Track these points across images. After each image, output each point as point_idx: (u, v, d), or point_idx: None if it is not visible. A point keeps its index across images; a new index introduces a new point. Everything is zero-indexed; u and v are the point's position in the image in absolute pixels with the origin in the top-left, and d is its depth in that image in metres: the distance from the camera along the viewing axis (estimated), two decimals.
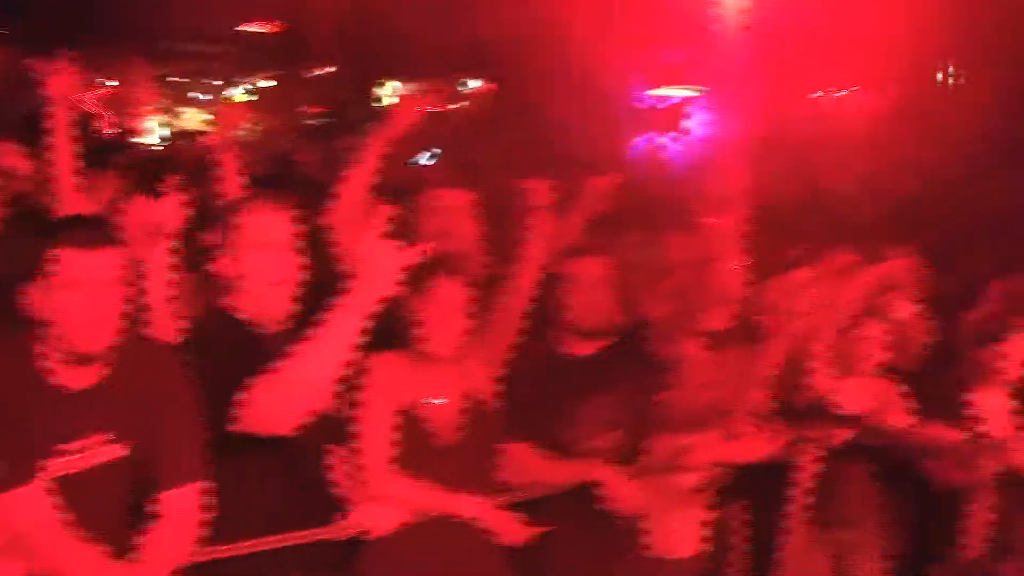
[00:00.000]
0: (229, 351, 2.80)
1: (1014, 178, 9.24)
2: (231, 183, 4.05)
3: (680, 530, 4.09)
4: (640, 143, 13.21)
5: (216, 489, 2.74)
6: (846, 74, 10.47)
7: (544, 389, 3.68)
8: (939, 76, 9.71)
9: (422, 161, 13.74)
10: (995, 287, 5.66)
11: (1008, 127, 9.24)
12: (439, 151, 13.92)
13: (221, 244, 2.98)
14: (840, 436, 4.56)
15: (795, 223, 7.82)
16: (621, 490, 3.61)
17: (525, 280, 3.72)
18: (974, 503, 3.96)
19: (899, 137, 9.82)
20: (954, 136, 9.40)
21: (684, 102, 11.67)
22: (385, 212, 2.62)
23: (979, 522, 3.93)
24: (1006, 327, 4.83)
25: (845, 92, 10.92)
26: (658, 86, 11.63)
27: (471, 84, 18.69)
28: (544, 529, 3.42)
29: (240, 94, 24.23)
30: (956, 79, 9.67)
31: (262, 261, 2.93)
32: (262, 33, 22.70)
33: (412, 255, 2.65)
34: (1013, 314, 5.05)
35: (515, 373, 3.66)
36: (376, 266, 2.58)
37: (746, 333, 4.41)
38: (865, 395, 4.78)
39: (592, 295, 3.74)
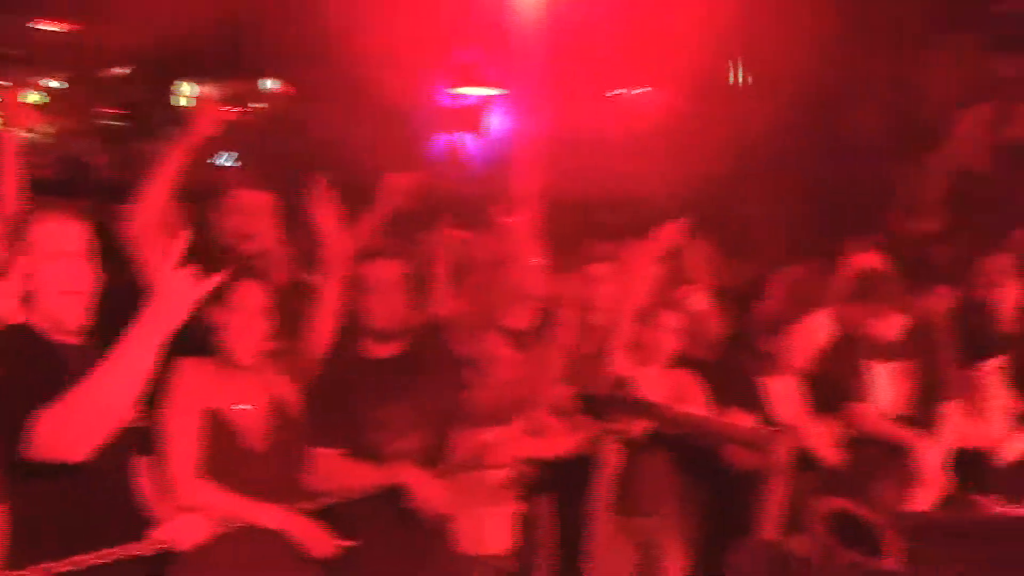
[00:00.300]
0: (25, 365, 2.70)
1: (797, 175, 9.68)
2: (8, 185, 3.85)
3: (489, 527, 4.14)
4: (439, 142, 13.25)
5: (15, 510, 2.66)
6: (641, 73, 10.72)
7: (346, 393, 3.64)
8: (731, 75, 10.05)
9: (220, 162, 13.46)
10: (779, 279, 5.89)
11: (795, 123, 9.63)
12: (237, 152, 13.66)
13: (8, 254, 2.85)
14: (640, 427, 4.65)
15: (592, 219, 8.00)
16: (428, 491, 3.60)
17: (330, 284, 3.67)
18: (769, 486, 4.07)
19: (690, 134, 10.13)
20: (743, 134, 9.76)
21: (483, 101, 11.73)
22: (184, 239, 2.57)
23: (774, 504, 4.04)
24: (791, 317, 5.01)
25: (640, 91, 11.17)
26: (457, 86, 11.65)
27: (269, 84, 18.43)
28: (352, 543, 3.40)
29: (30, 95, 23.25)
30: (746, 79, 10.03)
31: (53, 271, 2.82)
32: (54, 32, 21.80)
33: (209, 283, 2.60)
34: (796, 305, 5.26)
35: (319, 378, 3.61)
36: (172, 293, 2.54)
37: (547, 329, 4.47)
38: (663, 385, 4.91)
39: (388, 297, 3.72)
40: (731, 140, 9.78)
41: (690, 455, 4.84)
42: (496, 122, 12.08)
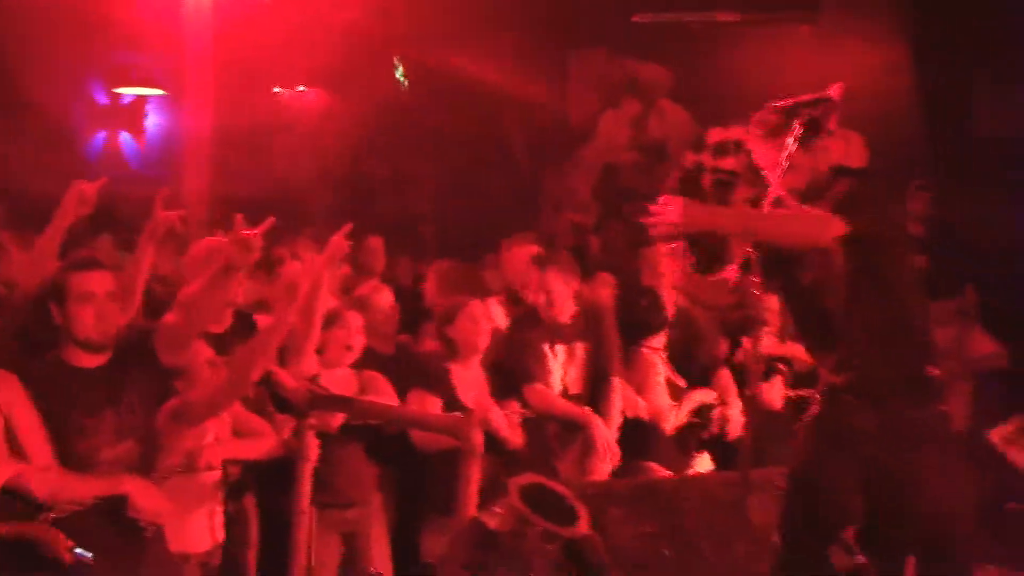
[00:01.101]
0: None
1: (460, 175, 10.05)
2: None
3: (199, 526, 4.21)
4: (97, 142, 12.77)
5: None
6: (306, 71, 10.74)
7: (56, 404, 3.58)
8: (397, 78, 10.24)
9: None
10: (432, 272, 6.21)
11: (454, 126, 9.97)
12: None
13: None
14: (335, 421, 4.80)
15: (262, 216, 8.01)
16: (148, 499, 3.60)
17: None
18: (463, 468, 4.30)
19: (355, 135, 10.29)
20: (408, 135, 10.05)
21: (143, 100, 11.36)
22: None
23: (468, 484, 4.27)
24: (451, 306, 5.24)
25: (303, 88, 11.18)
26: (118, 85, 11.25)
27: None
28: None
29: None
30: (409, 81, 10.25)
31: None
32: None
33: None
34: (451, 295, 5.55)
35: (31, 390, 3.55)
36: None
37: (245, 332, 4.53)
38: (352, 380, 5.07)
39: (99, 308, 3.67)
40: (397, 141, 10.05)
41: (384, 444, 5.03)
42: (157, 121, 11.77)
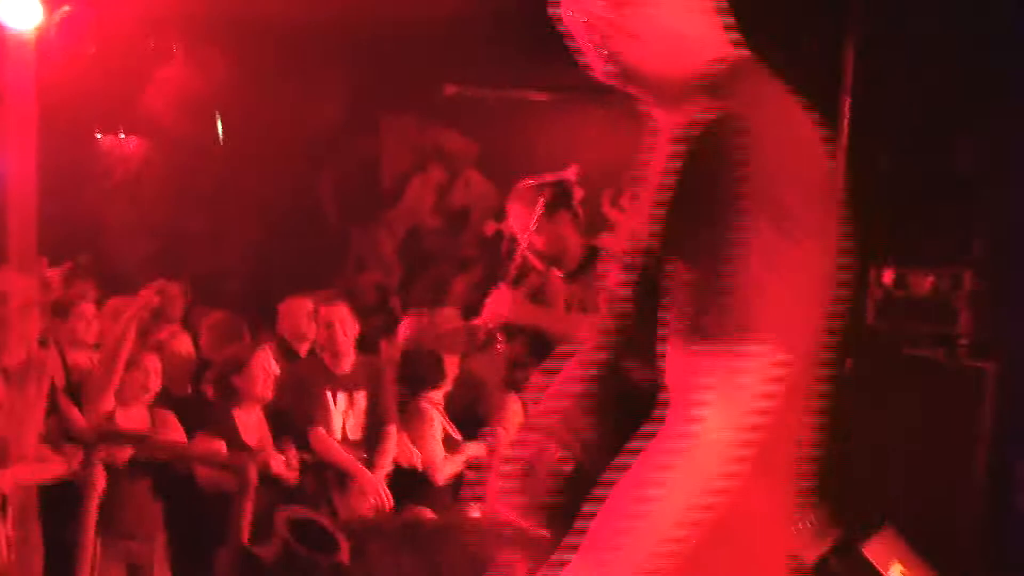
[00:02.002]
0: None
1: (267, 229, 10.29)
2: None
3: None
4: None
5: None
6: (127, 119, 10.88)
7: None
8: (219, 128, 10.46)
9: None
10: (205, 323, 6.59)
11: (266, 181, 10.26)
12: None
13: None
14: (124, 455, 5.16)
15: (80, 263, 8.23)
16: None
17: None
18: (239, 502, 4.71)
19: (172, 181, 10.51)
20: (220, 189, 10.31)
21: None
22: None
23: (243, 516, 4.67)
24: (245, 352, 5.63)
25: (123, 136, 11.35)
26: None
27: None
28: None
29: None
30: (226, 137, 10.47)
31: None
32: None
33: None
34: (220, 345, 5.94)
35: None
36: None
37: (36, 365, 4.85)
38: (144, 418, 5.42)
39: None
40: (213, 194, 10.32)
41: (169, 479, 5.39)
42: None
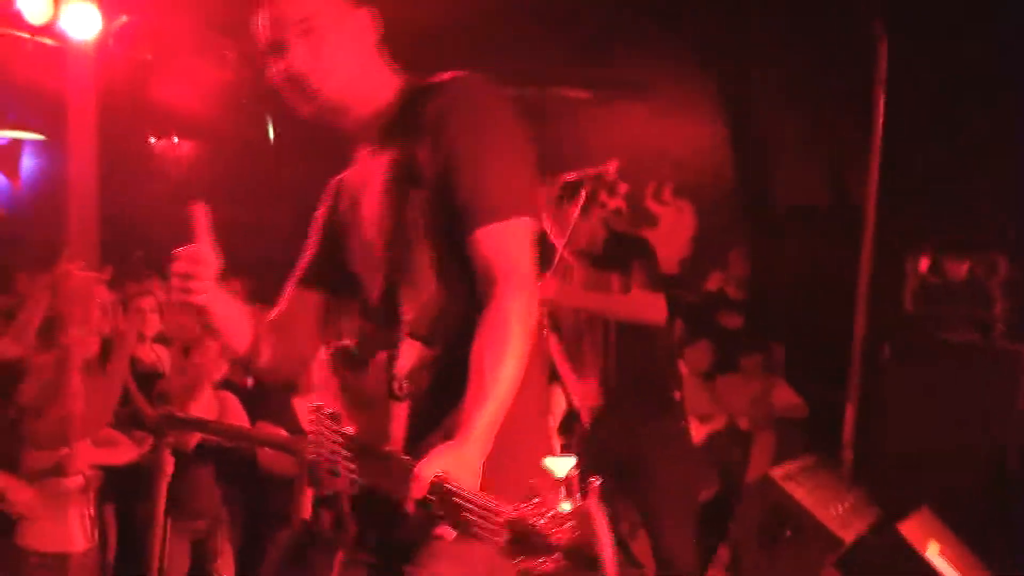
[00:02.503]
0: None
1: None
2: None
3: (73, 527, 4.77)
4: None
5: None
6: (181, 123, 11.19)
7: None
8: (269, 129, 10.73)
9: None
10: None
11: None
12: None
13: None
14: (191, 440, 5.46)
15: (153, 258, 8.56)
16: (17, 493, 4.22)
17: None
18: (300, 481, 4.98)
19: (223, 181, 10.82)
20: (272, 181, 10.60)
21: (19, 144, 11.65)
22: None
23: (304, 494, 4.94)
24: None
25: (176, 140, 11.69)
26: None
27: None
28: None
29: None
30: (276, 133, 10.76)
31: None
32: None
33: None
34: None
35: None
36: None
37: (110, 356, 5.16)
38: (209, 404, 5.72)
39: None
40: (261, 190, 10.62)
41: (234, 463, 5.70)
42: (32, 166, 12.13)
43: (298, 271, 2.75)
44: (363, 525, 2.44)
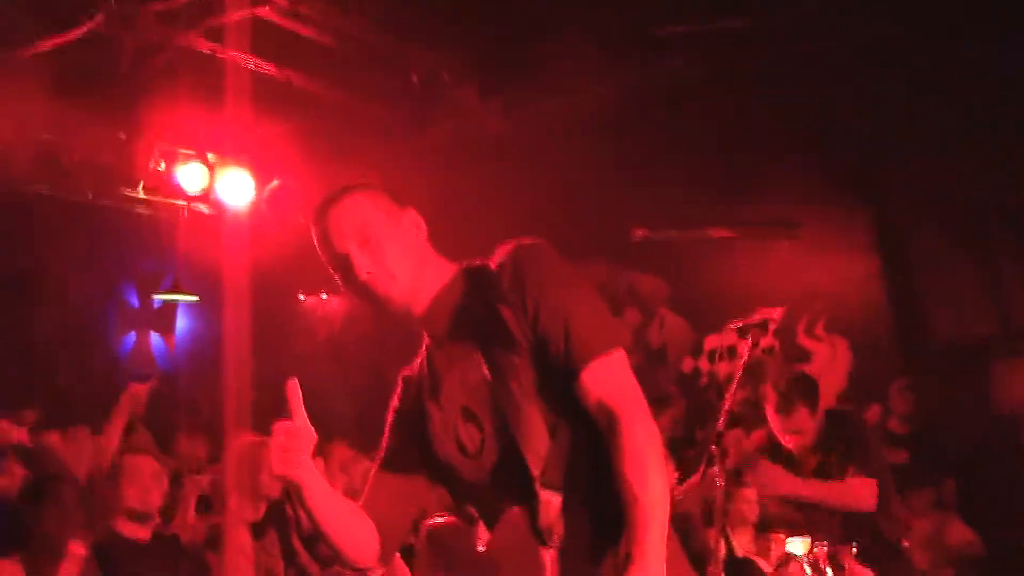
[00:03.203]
0: None
1: None
2: None
3: None
4: (128, 342, 13.53)
5: None
6: (330, 279, 11.51)
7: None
8: None
9: None
10: None
11: None
12: None
13: None
14: None
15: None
16: None
17: None
18: None
19: (376, 336, 11.07)
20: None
21: (174, 306, 12.21)
22: None
23: None
24: None
25: (324, 296, 12.05)
26: (150, 291, 12.10)
27: None
28: None
29: None
30: None
31: None
32: None
33: None
34: None
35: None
36: None
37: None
38: None
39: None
40: (409, 347, 10.82)
41: None
42: (189, 326, 12.62)
43: (378, 461, 2.90)
44: None
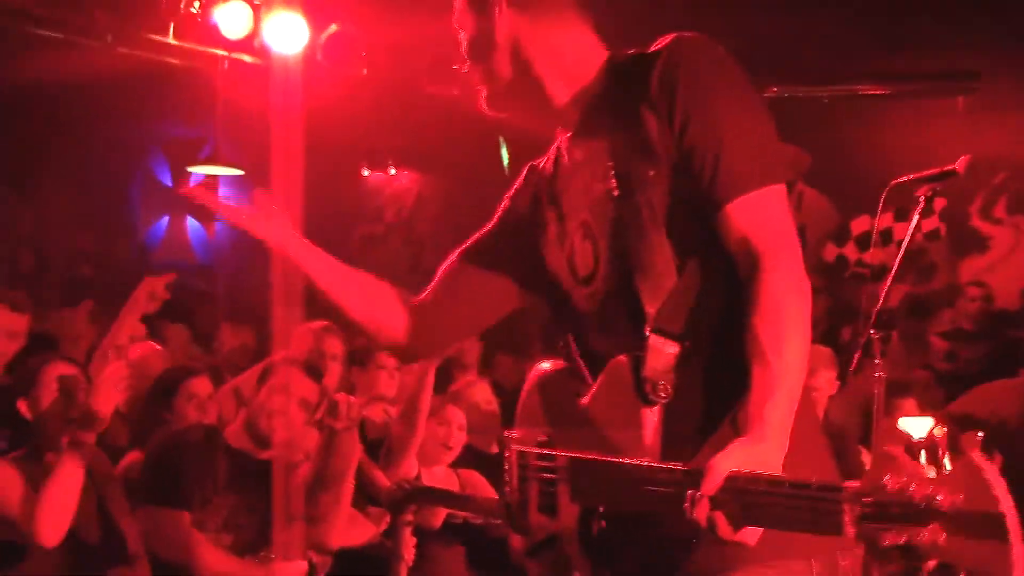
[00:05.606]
0: None
1: None
2: None
3: None
4: (159, 228, 13.62)
5: None
6: (399, 150, 11.44)
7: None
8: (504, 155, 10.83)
9: None
10: None
11: None
12: None
13: None
14: (435, 518, 5.45)
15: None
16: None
17: None
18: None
19: (451, 218, 11.01)
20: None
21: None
22: None
23: None
24: None
25: (393, 171, 11.94)
26: (186, 163, 12.03)
27: None
28: None
29: None
30: (513, 158, 10.85)
31: None
32: None
33: None
34: None
35: None
36: None
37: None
38: (451, 478, 5.71)
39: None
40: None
41: (486, 545, 5.65)
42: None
43: (466, 244, 2.85)
44: (603, 566, 2.43)
